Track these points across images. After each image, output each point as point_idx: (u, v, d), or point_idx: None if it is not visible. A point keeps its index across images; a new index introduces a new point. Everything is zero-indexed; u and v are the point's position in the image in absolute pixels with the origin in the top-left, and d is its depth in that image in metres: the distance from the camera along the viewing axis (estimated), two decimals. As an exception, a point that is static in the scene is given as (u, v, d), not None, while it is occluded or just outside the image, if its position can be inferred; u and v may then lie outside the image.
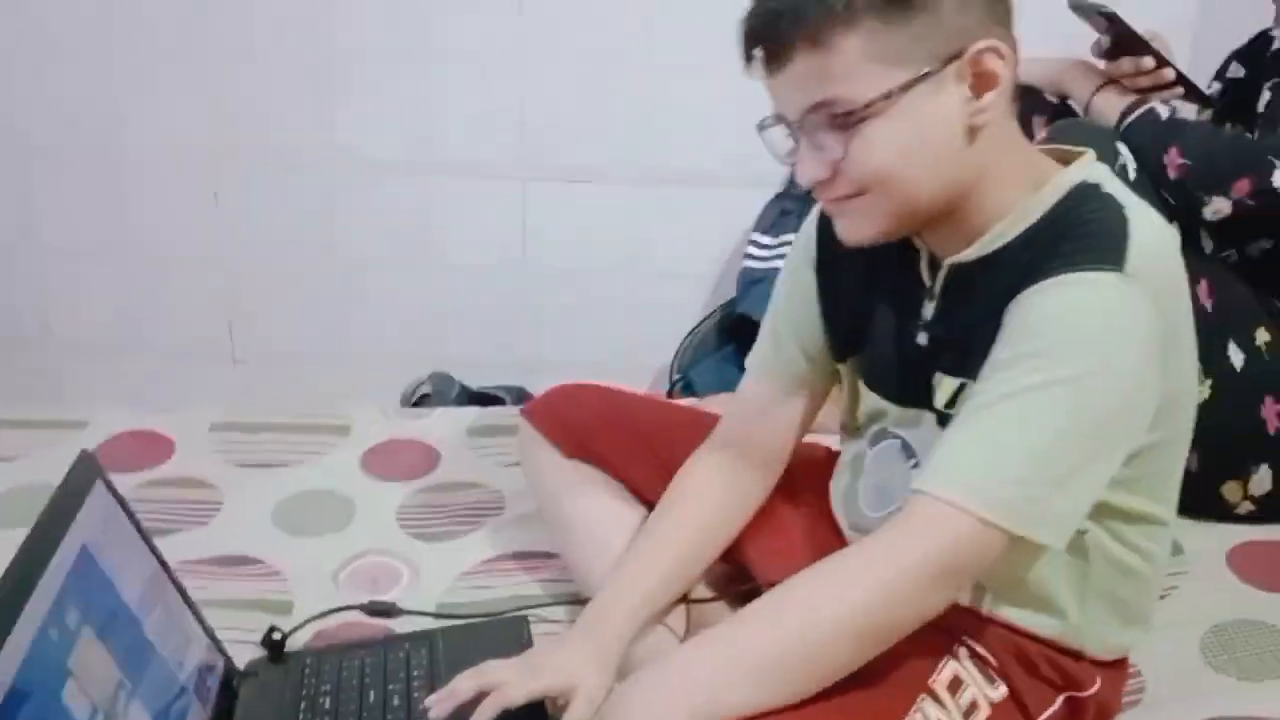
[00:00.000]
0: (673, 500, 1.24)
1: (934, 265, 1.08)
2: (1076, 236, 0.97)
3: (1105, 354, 0.94)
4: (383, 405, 1.92)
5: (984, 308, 1.00)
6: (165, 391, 2.31)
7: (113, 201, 2.37)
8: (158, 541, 1.14)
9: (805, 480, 1.28)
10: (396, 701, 1.16)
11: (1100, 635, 1.11)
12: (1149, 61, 1.56)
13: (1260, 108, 1.64)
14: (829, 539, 1.20)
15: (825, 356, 1.22)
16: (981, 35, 0.97)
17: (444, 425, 1.84)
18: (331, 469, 1.72)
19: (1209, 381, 1.48)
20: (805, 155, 1.01)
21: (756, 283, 2.08)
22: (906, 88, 0.96)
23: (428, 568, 1.49)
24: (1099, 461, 0.96)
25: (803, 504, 1.27)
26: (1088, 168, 1.04)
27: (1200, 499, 1.54)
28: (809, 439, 1.29)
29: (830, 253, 1.15)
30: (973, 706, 1.07)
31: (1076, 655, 1.11)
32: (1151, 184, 1.48)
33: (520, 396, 2.23)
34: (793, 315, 1.23)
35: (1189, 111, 1.63)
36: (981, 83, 0.98)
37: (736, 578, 1.26)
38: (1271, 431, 1.52)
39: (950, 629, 1.07)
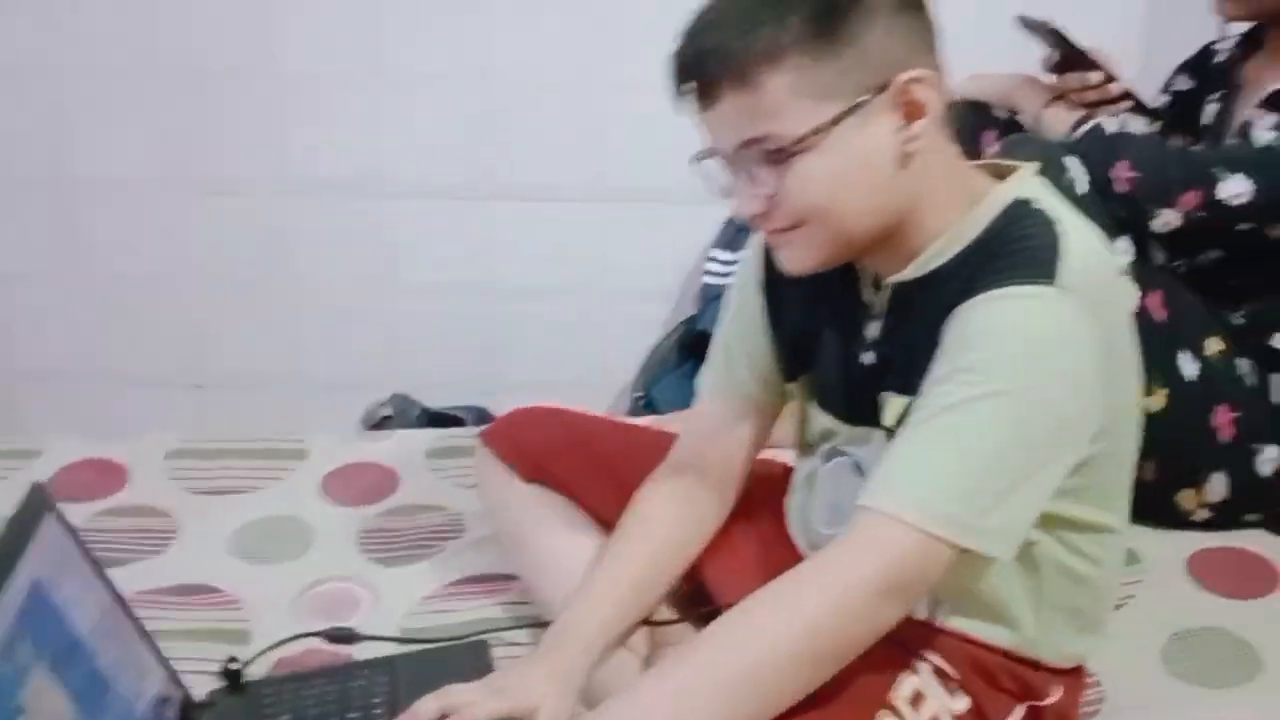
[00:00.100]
0: (629, 526, 1.24)
1: (876, 285, 1.10)
2: (1010, 252, 0.99)
3: (1041, 365, 0.96)
4: (343, 429, 1.91)
5: (925, 325, 1.01)
6: (122, 418, 2.29)
7: (67, 227, 2.35)
8: (113, 572, 1.13)
9: (762, 498, 1.28)
10: (358, 729, 1.15)
11: (1056, 643, 1.12)
12: (1096, 76, 1.58)
13: (1206, 121, 1.67)
14: (786, 557, 1.19)
15: (775, 376, 1.23)
16: (908, 65, 0.98)
17: (403, 448, 1.83)
18: (290, 494, 1.70)
19: (1163, 391, 1.50)
20: (741, 189, 1.02)
21: (717, 298, 2.08)
22: (837, 121, 0.97)
23: (388, 592, 1.48)
24: (1042, 472, 0.97)
25: (760, 522, 1.27)
26: (1022, 183, 1.05)
27: (1157, 507, 1.56)
28: (766, 454, 1.30)
29: (776, 273, 1.16)
30: (934, 720, 1.07)
31: (1034, 665, 1.12)
32: (1101, 197, 1.50)
33: (482, 417, 2.22)
34: (742, 335, 1.23)
35: (1136, 125, 1.65)
36: (911, 111, 0.99)
37: (698, 598, 1.26)
38: (1225, 440, 1.54)
39: (909, 643, 1.07)
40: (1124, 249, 1.50)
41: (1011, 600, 1.09)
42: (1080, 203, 1.46)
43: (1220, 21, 1.64)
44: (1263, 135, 1.49)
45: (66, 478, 1.72)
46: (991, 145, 1.61)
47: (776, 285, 1.18)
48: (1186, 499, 1.57)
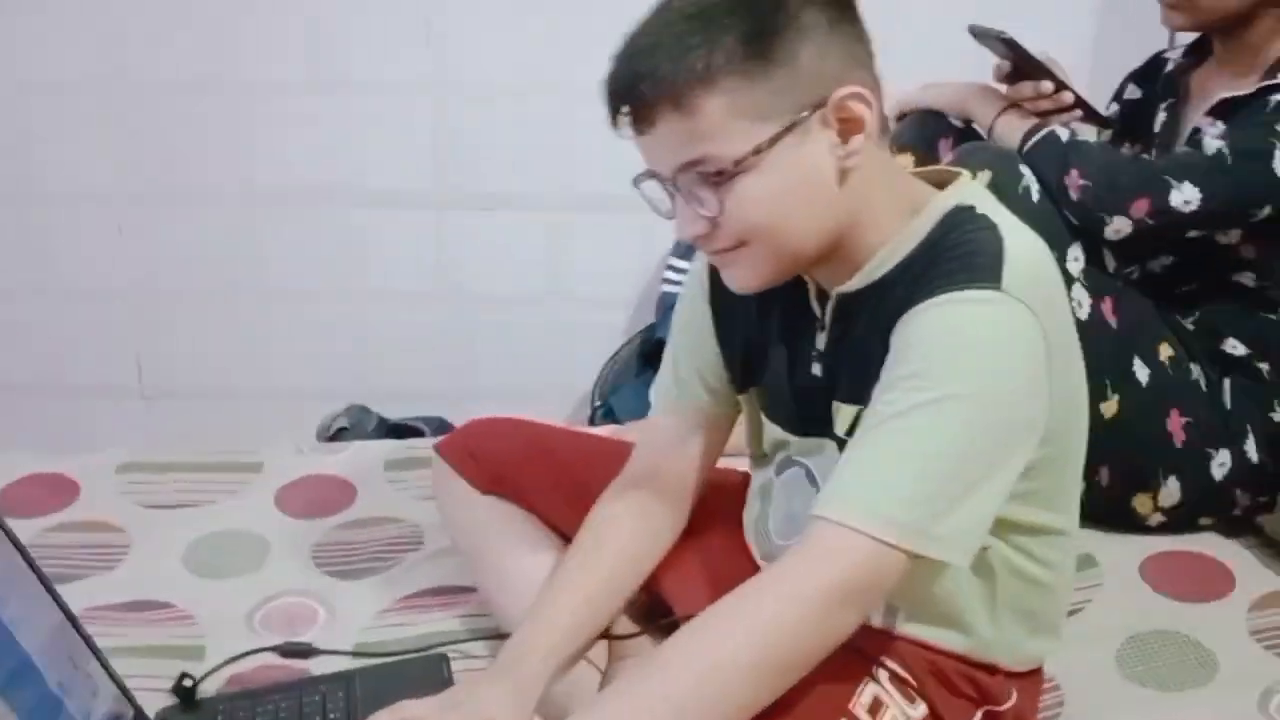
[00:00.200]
0: (585, 540, 1.23)
1: (822, 297, 1.10)
2: (953, 258, 0.99)
3: (987, 369, 0.96)
4: (298, 441, 1.89)
5: (872, 335, 1.01)
6: (72, 431, 2.25)
7: (14, 236, 2.31)
8: (63, 588, 1.11)
9: (719, 508, 1.28)
10: (313, 745, 1.14)
11: (1012, 646, 1.13)
12: (1048, 85, 1.60)
13: (1156, 129, 1.69)
14: (743, 568, 1.19)
15: (726, 388, 1.23)
16: (843, 81, 0.98)
17: (360, 459, 1.81)
18: (244, 508, 1.68)
19: (1116, 397, 1.51)
20: (682, 212, 1.02)
21: (675, 307, 2.08)
22: (774, 141, 0.97)
23: (345, 606, 1.46)
24: (994, 476, 0.97)
25: (717, 533, 1.27)
26: (962, 189, 1.06)
27: (1113, 512, 1.58)
28: (724, 463, 1.30)
29: (723, 285, 1.15)
30: (894, 727, 1.07)
31: (991, 669, 1.12)
32: (1054, 205, 1.51)
33: (441, 427, 2.20)
34: (691, 348, 1.23)
35: (1088, 133, 1.66)
36: (847, 128, 0.99)
37: (657, 609, 1.26)
38: (1178, 444, 1.56)
39: (868, 651, 1.07)
40: (1077, 256, 1.52)
41: (966, 605, 1.09)
42: (1034, 210, 1.48)
43: (1169, 31, 1.66)
44: (1212, 143, 1.51)
45: (15, 492, 1.69)
46: (947, 154, 1.62)
47: (723, 297, 1.17)
48: (1142, 503, 1.58)
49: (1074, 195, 1.51)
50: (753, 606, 0.95)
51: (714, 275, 1.18)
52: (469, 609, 1.42)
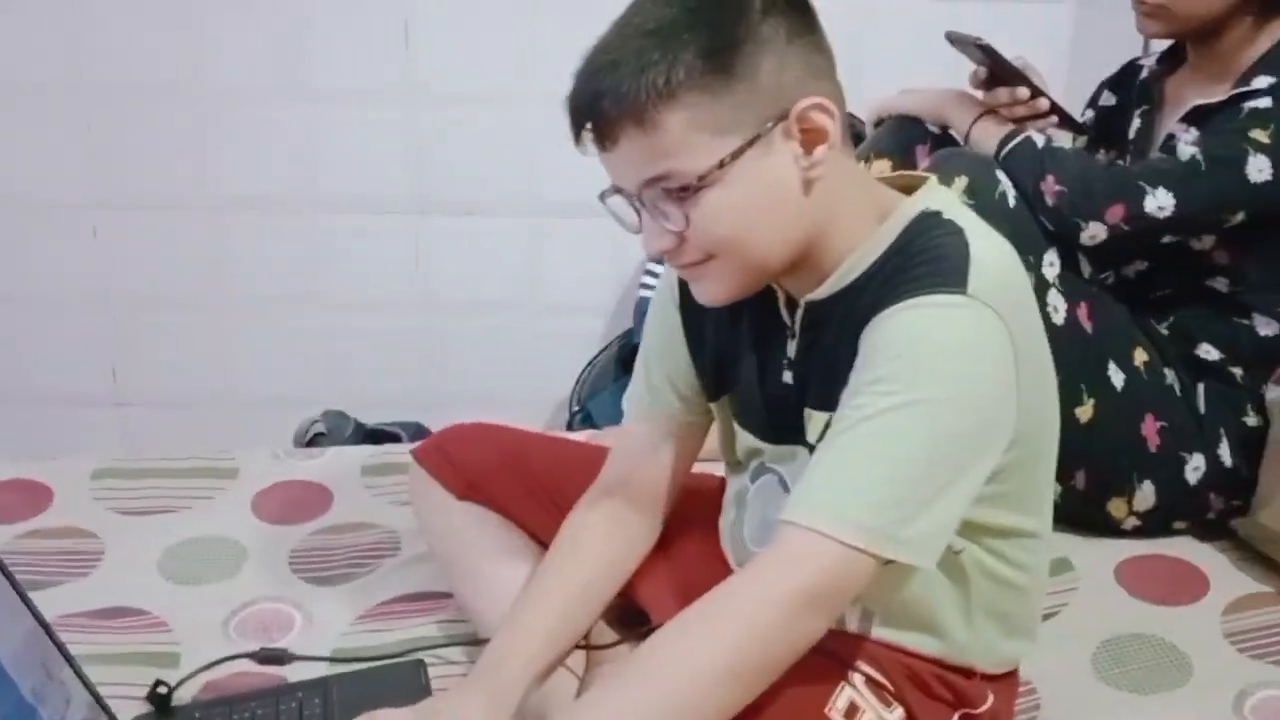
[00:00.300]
0: (561, 549, 1.23)
1: (791, 305, 1.10)
2: (920, 263, 0.99)
3: (954, 373, 0.96)
4: (274, 446, 1.88)
5: (842, 341, 1.02)
6: (45, 438, 2.23)
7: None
8: (36, 595, 1.10)
9: (695, 514, 1.28)
10: (289, 753, 1.13)
11: (987, 649, 1.13)
12: (1024, 91, 1.60)
13: (1131, 135, 1.70)
14: (719, 575, 1.18)
15: (698, 396, 1.23)
16: (804, 93, 0.98)
17: (336, 465, 1.80)
18: (220, 514, 1.67)
19: (1091, 402, 1.52)
20: (648, 227, 1.02)
21: (647, 314, 2.09)
22: (737, 154, 0.97)
23: (321, 612, 1.45)
24: (961, 480, 0.97)
25: (693, 540, 1.27)
26: (929, 194, 1.06)
27: (1088, 516, 1.59)
28: (700, 468, 1.30)
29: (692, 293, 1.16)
30: (870, 732, 1.07)
31: (967, 672, 1.13)
32: (1030, 210, 1.52)
33: (418, 432, 2.20)
34: (662, 356, 1.23)
35: (1064, 139, 1.67)
36: (810, 138, 0.99)
37: (635, 616, 1.26)
38: (1153, 449, 1.57)
39: (843, 656, 1.08)
40: (1053, 261, 1.52)
41: (941, 609, 1.09)
42: (1011, 215, 1.49)
43: (1144, 39, 1.67)
44: (1186, 149, 1.52)
45: (-12, 499, 1.68)
46: (924, 159, 1.62)
47: (693, 305, 1.16)
48: (1117, 508, 1.59)
49: (1050, 201, 1.51)
50: (725, 610, 0.95)
51: (684, 283, 1.18)
52: (446, 614, 1.42)
